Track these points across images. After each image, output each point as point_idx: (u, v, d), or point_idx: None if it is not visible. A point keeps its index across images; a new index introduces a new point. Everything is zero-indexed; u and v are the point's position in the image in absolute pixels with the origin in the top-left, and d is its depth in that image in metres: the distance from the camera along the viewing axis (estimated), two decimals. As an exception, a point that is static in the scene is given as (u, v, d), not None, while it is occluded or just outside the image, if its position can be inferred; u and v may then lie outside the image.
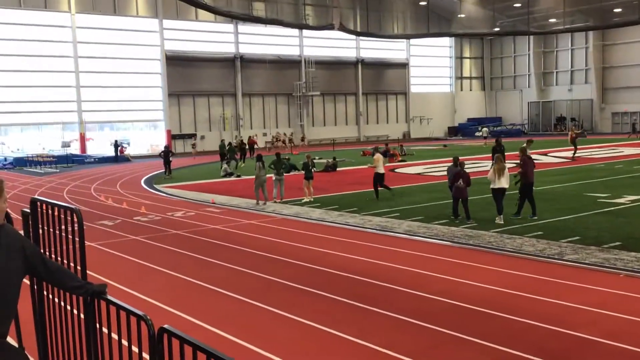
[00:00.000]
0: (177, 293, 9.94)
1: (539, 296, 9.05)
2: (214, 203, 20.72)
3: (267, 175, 20.26)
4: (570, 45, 66.61)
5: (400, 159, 36.79)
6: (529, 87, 70.92)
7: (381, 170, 20.27)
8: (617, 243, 12.27)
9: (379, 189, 20.13)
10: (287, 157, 34.58)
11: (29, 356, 5.80)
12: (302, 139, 50.13)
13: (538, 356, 6.79)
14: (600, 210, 16.40)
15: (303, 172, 21.40)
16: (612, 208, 16.66)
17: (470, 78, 75.26)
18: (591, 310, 8.37)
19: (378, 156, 20.88)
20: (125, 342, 4.15)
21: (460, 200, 15.50)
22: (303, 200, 20.28)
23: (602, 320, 7.99)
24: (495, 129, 67.15)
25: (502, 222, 14.80)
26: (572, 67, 67.08)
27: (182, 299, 9.56)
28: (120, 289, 9.97)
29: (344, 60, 63.78)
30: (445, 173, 17.08)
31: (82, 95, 49.02)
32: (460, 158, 16.56)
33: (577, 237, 12.95)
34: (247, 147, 40.59)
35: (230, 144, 38.31)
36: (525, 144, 19.42)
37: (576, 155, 32.85)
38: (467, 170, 16.26)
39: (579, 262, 11.02)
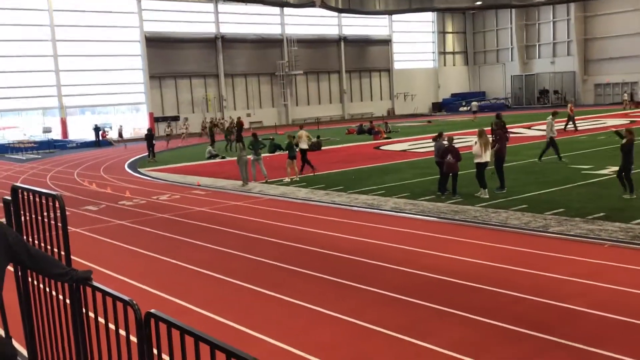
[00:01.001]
0: (164, 276, 9.91)
1: (525, 269, 9.13)
2: (199, 185, 20.62)
3: (247, 156, 20.21)
4: (552, 18, 66.61)
5: (385, 136, 36.78)
6: (512, 60, 70.99)
7: (305, 146, 22.08)
8: (601, 214, 12.40)
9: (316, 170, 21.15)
10: (271, 137, 34.48)
11: (17, 344, 5.76)
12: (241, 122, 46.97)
13: (524, 327, 6.86)
14: (584, 182, 16.54)
15: (287, 151, 21.29)
16: (596, 180, 16.80)
17: (454, 53, 75.15)
18: (577, 281, 8.46)
19: (301, 132, 22.52)
20: (112, 327, 4.12)
21: (450, 176, 15.50)
22: (285, 180, 20.25)
23: (588, 290, 8.08)
24: (479, 103, 67.33)
25: (487, 196, 14.88)
26: (554, 39, 67.15)
27: (169, 282, 9.53)
28: (107, 274, 9.92)
29: (326, 38, 63.36)
30: (432, 149, 17.04)
31: (61, 79, 48.33)
32: (446, 133, 16.53)
33: (562, 209, 13.05)
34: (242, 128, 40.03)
35: (211, 122, 38.13)
36: (551, 116, 21.07)
37: (568, 127, 33.03)
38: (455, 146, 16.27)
39: (564, 233, 11.12)
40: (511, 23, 69.56)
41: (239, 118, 38.41)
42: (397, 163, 23.64)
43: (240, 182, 20.18)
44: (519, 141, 28.91)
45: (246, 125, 38.24)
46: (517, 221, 12.35)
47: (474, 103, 56.86)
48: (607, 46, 62.08)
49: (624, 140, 13.91)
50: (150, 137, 31.81)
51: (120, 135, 46.60)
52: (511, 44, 70.68)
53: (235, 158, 21.29)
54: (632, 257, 9.49)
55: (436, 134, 16.83)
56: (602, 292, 8.01)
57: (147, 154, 32.07)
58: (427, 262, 9.78)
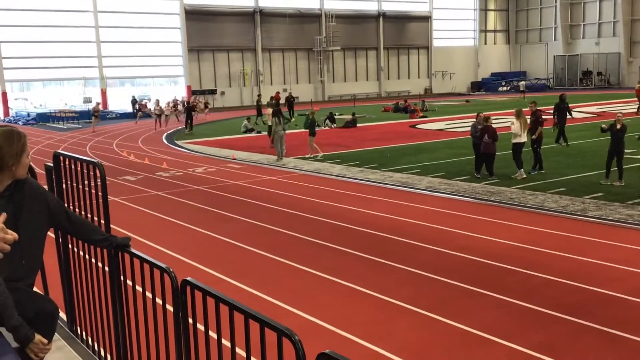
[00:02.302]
0: (199, 247, 10.06)
1: (561, 252, 9.00)
2: (234, 159, 20.77)
3: (283, 131, 20.27)
4: (598, -3, 64.62)
5: (421, 114, 36.40)
6: (555, 40, 69.19)
7: (269, 122, 22.72)
8: (642, 199, 12.10)
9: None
10: (307, 113, 34.43)
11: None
12: (206, 105, 43.88)
13: (558, 311, 6.79)
14: (625, 166, 16.12)
15: (322, 127, 21.28)
16: (637, 164, 16.37)
17: (495, 31, 73.57)
18: (614, 266, 8.31)
19: (268, 111, 23.28)
20: (149, 294, 4.21)
21: (486, 156, 15.26)
22: (308, 157, 20.22)
23: (624, 276, 7.94)
24: (518, 83, 66.01)
25: (525, 177, 14.67)
26: (599, 19, 65.13)
27: (204, 252, 9.68)
28: (144, 243, 10.12)
29: (365, 14, 62.63)
30: (468, 129, 16.80)
31: (102, 50, 48.96)
32: (484, 113, 16.25)
33: (601, 194, 12.79)
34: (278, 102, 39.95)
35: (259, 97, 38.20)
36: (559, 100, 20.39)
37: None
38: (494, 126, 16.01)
39: (603, 218, 10.91)
40: (555, 1, 67.69)
41: (277, 93, 38.58)
42: (433, 142, 23.41)
43: (275, 157, 20.26)
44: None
45: (282, 101, 38.24)
46: (554, 204, 12.15)
47: (522, 82, 55.76)
48: (655, 27, 59.97)
49: (618, 126, 13.55)
50: (189, 109, 32.35)
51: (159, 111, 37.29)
52: (555, 23, 68.83)
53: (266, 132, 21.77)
54: (673, 245, 9.26)
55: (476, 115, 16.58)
56: (639, 278, 7.86)
57: (184, 126, 32.47)
58: (461, 243, 9.72)
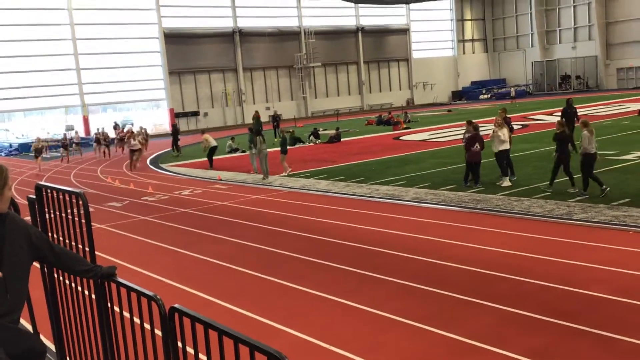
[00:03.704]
0: (188, 270, 10.00)
1: (549, 257, 9.06)
2: (220, 180, 20.74)
3: (267, 150, 20.34)
4: (572, 2, 65.55)
5: (404, 126, 36.60)
6: (532, 46, 70.04)
7: (213, 144, 25.15)
8: (626, 200, 12.23)
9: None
10: (290, 130, 34.52)
11: (45, 340, 5.88)
12: (145, 139, 33.44)
13: (548, 316, 6.82)
14: (609, 167, 16.30)
15: (307, 143, 21.35)
16: (620, 165, 16.56)
17: (473, 40, 74.39)
18: (602, 268, 8.36)
19: (206, 135, 25.87)
20: (137, 321, 4.18)
21: (473, 164, 15.33)
22: (284, 175, 20.27)
23: (612, 277, 7.99)
24: (499, 90, 66.66)
25: (510, 184, 14.76)
26: (575, 24, 66.09)
27: (193, 275, 9.62)
28: (131, 269, 10.04)
29: (343, 29, 63.11)
30: (453, 138, 16.88)
31: (82, 77, 48.84)
32: (475, 121, 16.28)
33: (586, 196, 12.89)
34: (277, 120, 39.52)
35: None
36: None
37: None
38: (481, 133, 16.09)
39: (588, 220, 11.00)
40: (531, 8, 68.62)
41: (256, 112, 38.50)
42: (417, 153, 23.53)
43: (260, 176, 20.26)
44: (540, 128, 28.57)
45: (264, 119, 38.20)
46: (540, 209, 12.24)
47: (512, 89, 56.36)
48: (629, 29, 60.93)
49: (558, 131, 13.62)
50: (175, 132, 32.45)
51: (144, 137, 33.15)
52: (531, 30, 69.73)
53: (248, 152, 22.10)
54: (658, 243, 9.35)
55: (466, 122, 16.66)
56: (627, 279, 7.91)
57: (170, 148, 32.45)
58: (449, 252, 9.74)
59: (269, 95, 58.85)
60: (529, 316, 6.89)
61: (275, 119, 37.96)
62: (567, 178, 13.48)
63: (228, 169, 23.86)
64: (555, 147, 13.73)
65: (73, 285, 5.21)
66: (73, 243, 5.14)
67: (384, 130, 35.94)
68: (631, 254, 8.94)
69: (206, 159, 25.13)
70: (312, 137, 31.81)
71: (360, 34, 63.93)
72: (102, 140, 35.01)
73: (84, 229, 4.87)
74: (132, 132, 32.66)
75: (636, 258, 8.75)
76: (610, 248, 9.31)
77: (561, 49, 67.59)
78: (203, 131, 29.14)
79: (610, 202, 12.14)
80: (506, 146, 14.94)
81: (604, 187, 12.81)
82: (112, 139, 37.81)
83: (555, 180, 13.73)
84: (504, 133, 14.84)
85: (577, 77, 65.43)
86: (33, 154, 30.12)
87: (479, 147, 15.11)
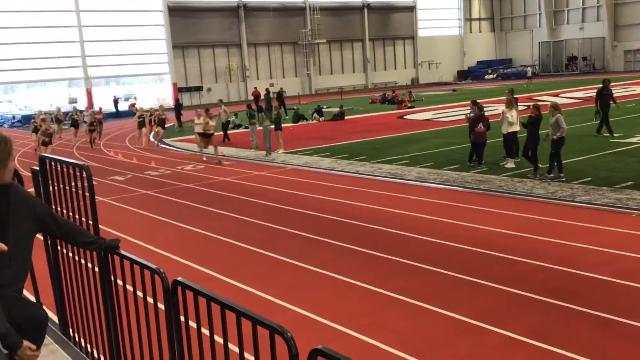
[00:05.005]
0: (190, 245, 10.04)
1: (551, 238, 9.07)
2: (223, 155, 20.72)
3: (271, 126, 20.25)
4: (581, -18, 64.87)
5: (408, 105, 36.44)
6: (539, 26, 69.38)
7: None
8: (630, 183, 12.20)
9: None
10: (295, 107, 34.40)
11: (47, 311, 5.92)
12: (58, 120, 30.40)
13: (548, 297, 6.84)
14: (612, 150, 16.25)
15: (310, 121, 21.27)
16: (624, 148, 16.50)
17: (480, 19, 73.68)
18: (603, 250, 8.38)
19: (224, 107, 25.12)
20: (140, 294, 4.21)
21: (477, 145, 15.27)
22: (280, 152, 20.22)
23: (613, 260, 8.01)
24: (504, 71, 66.15)
25: (514, 166, 14.72)
26: (583, 4, 65.37)
27: (195, 250, 9.66)
28: (134, 243, 10.08)
29: (349, 6, 62.50)
30: (457, 118, 16.81)
31: (86, 50, 48.60)
32: (480, 101, 16.16)
33: (589, 179, 12.87)
34: (259, 98, 39.41)
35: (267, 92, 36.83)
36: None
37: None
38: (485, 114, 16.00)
39: (591, 203, 10.99)
40: (539, -13, 67.86)
41: (255, 88, 38.36)
42: (421, 132, 23.45)
43: (263, 152, 20.23)
44: (545, 109, 28.38)
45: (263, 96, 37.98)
46: (543, 190, 12.22)
47: (529, 68, 55.89)
48: (637, 11, 60.25)
49: (534, 115, 13.51)
50: (178, 106, 32.44)
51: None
52: (539, 10, 69.01)
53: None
54: (661, 227, 9.34)
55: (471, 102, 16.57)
56: (628, 261, 7.93)
57: (173, 123, 32.41)
58: (451, 232, 9.76)
59: (273, 71, 58.53)
60: (529, 297, 6.92)
61: (281, 95, 37.72)
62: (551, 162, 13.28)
63: (231, 145, 23.80)
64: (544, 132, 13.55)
65: (76, 257, 5.24)
66: (77, 216, 5.15)
67: (388, 109, 35.78)
68: (633, 237, 8.94)
69: (221, 132, 24.17)
70: (315, 115, 31.70)
71: (366, 11, 63.33)
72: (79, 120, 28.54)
73: (88, 201, 4.88)
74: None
75: (637, 241, 8.75)
76: (612, 231, 9.31)
77: (569, 30, 66.95)
78: (221, 101, 29.00)
79: (613, 185, 12.12)
80: (515, 128, 14.82)
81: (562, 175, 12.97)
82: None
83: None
84: (512, 115, 14.73)
85: (584, 59, 64.91)
86: (33, 130, 25.28)
87: (482, 127, 15.04)
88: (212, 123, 19.55)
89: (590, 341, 5.80)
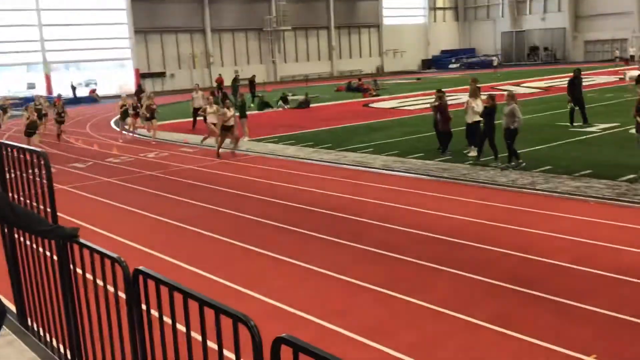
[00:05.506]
0: (152, 233, 9.91)
1: (512, 225, 9.22)
2: (187, 143, 20.47)
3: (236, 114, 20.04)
4: (543, -27, 65.80)
5: (374, 93, 36.55)
6: (502, 16, 70.23)
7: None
8: (588, 171, 12.47)
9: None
10: (260, 95, 34.17)
11: (5, 301, 5.77)
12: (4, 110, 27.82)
13: (510, 283, 6.96)
14: (572, 139, 16.59)
15: (276, 108, 21.16)
16: (584, 137, 16.85)
17: (444, 9, 74.20)
18: (563, 237, 8.55)
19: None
20: (100, 283, 4.13)
21: (441, 133, 15.43)
22: (245, 139, 20.05)
23: (573, 246, 8.19)
24: (468, 60, 66.82)
25: (476, 154, 14.90)
26: (545, -5, 66.45)
27: (157, 239, 9.54)
28: (95, 231, 9.90)
29: (315, -7, 62.22)
30: (422, 106, 16.92)
31: (45, 34, 47.33)
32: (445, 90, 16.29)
33: (549, 167, 13.12)
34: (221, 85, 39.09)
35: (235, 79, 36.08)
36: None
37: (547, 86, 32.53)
38: (448, 103, 16.11)
39: (551, 190, 11.21)
40: (502, -22, 68.62)
41: (219, 75, 37.87)
42: (386, 121, 23.56)
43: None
44: (501, 99, 28.76)
45: (227, 83, 37.49)
46: (504, 178, 12.41)
47: (494, 57, 56.39)
48: (598, 2, 61.48)
49: (488, 105, 13.81)
50: (139, 92, 31.96)
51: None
52: (502, 0, 69.80)
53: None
54: (618, 214, 9.59)
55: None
56: (587, 247, 8.12)
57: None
58: (415, 220, 9.84)
59: (238, 58, 57.96)
60: (491, 283, 7.03)
61: (252, 82, 37.10)
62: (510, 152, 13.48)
63: (195, 132, 23.52)
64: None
65: (34, 245, 5.12)
66: (34, 203, 5.02)
67: (353, 97, 35.82)
68: (590, 224, 9.16)
69: (187, 119, 23.40)
70: (280, 102, 31.55)
71: (331, -2, 63.12)
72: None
73: (46, 189, 4.76)
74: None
75: (595, 228, 8.97)
76: (571, 218, 9.52)
77: (531, 20, 67.95)
78: (198, 85, 27.75)
79: (572, 173, 12.37)
80: (478, 118, 14.98)
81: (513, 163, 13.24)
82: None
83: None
84: (477, 104, 14.88)
85: (545, 49, 66.00)
86: None
87: (447, 116, 15.18)
88: (230, 113, 17.14)
89: (549, 325, 5.93)
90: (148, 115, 21.74)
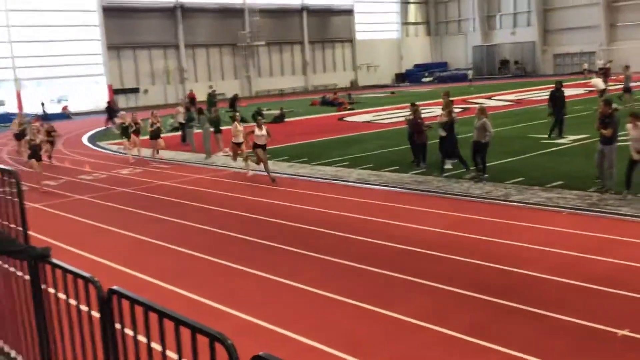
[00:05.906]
0: (126, 251, 9.79)
1: (486, 237, 9.31)
2: (162, 159, 20.31)
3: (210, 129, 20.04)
4: (513, -13, 67.04)
5: (348, 107, 36.73)
6: (473, 31, 71.28)
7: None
8: (560, 182, 12.67)
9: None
10: (238, 111, 34.03)
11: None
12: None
13: (485, 294, 7.02)
14: (544, 151, 16.85)
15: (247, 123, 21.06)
16: (555, 148, 17.13)
17: (416, 23, 75.06)
18: (536, 247, 8.66)
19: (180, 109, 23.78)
20: (74, 302, 4.06)
21: (419, 146, 15.58)
22: (220, 154, 20.03)
23: (546, 257, 8.29)
24: (441, 74, 67.61)
25: (451, 167, 15.04)
26: (515, 9, 67.59)
27: (132, 256, 9.42)
28: (68, 250, 9.75)
29: (288, 8, 62.46)
30: (396, 120, 17.05)
31: (15, 50, 46.71)
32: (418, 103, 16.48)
33: (522, 178, 13.29)
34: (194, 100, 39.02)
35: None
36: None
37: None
38: (422, 117, 16.25)
39: (524, 202, 11.35)
40: (473, -7, 69.73)
41: (190, 91, 37.69)
42: (361, 134, 23.67)
43: (203, 155, 19.96)
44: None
45: (200, 98, 37.07)
46: (479, 190, 12.54)
47: (470, 71, 56.98)
48: (566, 17, 62.79)
49: (447, 119, 14.31)
50: (110, 109, 31.76)
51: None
52: (473, 14, 70.87)
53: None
54: (589, 224, 9.75)
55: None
56: (560, 258, 8.23)
57: (105, 127, 31.67)
58: (390, 232, 9.88)
59: (212, 73, 57.82)
60: (466, 294, 7.08)
61: (233, 99, 36.56)
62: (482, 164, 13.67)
63: (169, 147, 23.35)
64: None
65: (6, 265, 5.02)
66: (5, 222, 4.94)
67: (328, 111, 35.95)
68: (563, 234, 9.29)
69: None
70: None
71: (304, 14, 63.44)
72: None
73: (16, 208, 4.69)
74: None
75: (567, 238, 9.10)
76: (544, 228, 9.64)
77: (501, 34, 69.07)
78: (183, 99, 28.14)
79: (545, 185, 12.55)
80: (444, 133, 15.13)
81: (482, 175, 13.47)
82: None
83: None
84: (454, 117, 15.08)
85: (516, 62, 67.10)
86: None
87: (421, 129, 15.33)
88: (240, 127, 16.51)
89: (524, 336, 5.98)
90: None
